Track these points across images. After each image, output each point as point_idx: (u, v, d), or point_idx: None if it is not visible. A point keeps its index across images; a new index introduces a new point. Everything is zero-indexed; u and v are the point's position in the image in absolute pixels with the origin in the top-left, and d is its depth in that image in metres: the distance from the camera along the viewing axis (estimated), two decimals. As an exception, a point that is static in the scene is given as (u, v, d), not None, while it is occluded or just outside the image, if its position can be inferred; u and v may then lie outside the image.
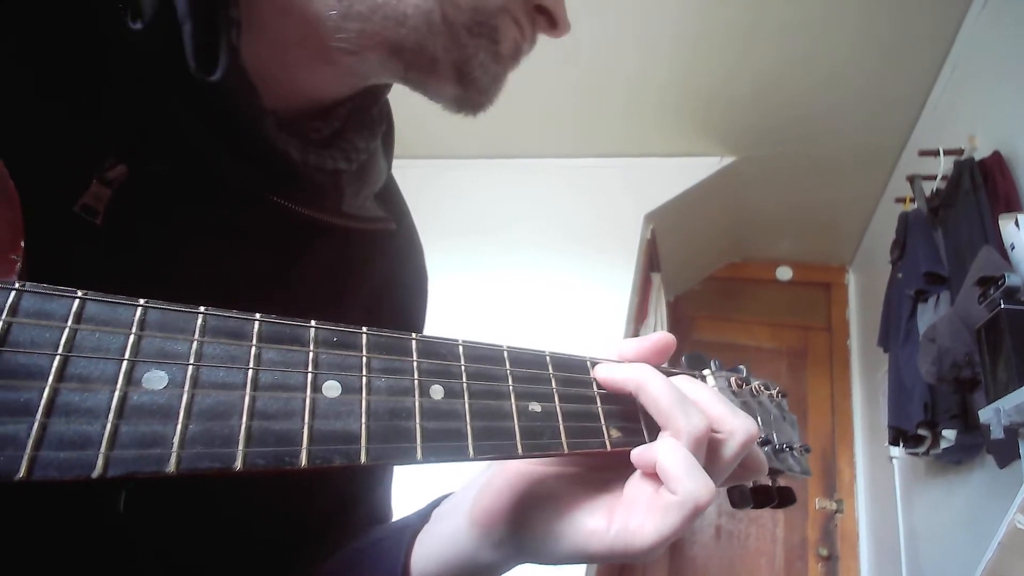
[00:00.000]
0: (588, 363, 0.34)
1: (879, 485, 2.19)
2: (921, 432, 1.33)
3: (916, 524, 1.73)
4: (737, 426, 0.33)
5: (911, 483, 1.80)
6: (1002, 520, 0.89)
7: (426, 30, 0.33)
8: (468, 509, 0.34)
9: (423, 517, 0.38)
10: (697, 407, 0.32)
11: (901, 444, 1.43)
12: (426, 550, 0.36)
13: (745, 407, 0.43)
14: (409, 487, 0.54)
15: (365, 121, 0.41)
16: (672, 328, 2.74)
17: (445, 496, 0.39)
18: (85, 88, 0.29)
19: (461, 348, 0.29)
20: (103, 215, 0.29)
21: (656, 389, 0.31)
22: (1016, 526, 0.86)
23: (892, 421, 1.44)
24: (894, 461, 1.95)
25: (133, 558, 0.31)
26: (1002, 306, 0.94)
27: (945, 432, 1.26)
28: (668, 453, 0.30)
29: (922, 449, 1.36)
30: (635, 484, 0.31)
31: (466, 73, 0.35)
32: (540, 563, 0.33)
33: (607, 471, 0.33)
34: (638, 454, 0.31)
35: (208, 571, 0.36)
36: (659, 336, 0.36)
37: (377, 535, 0.40)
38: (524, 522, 0.32)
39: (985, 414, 0.93)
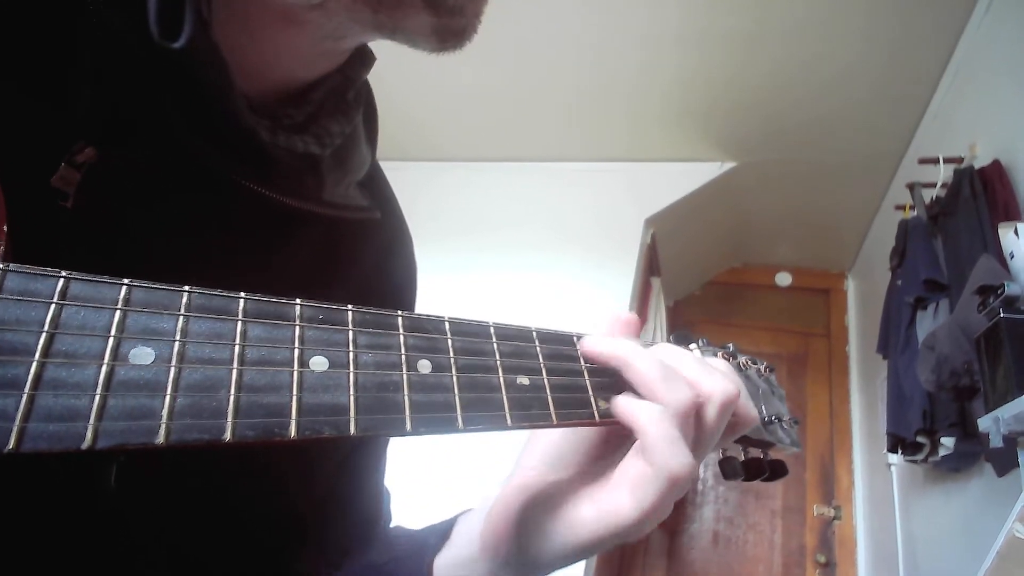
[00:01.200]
0: (574, 338, 0.34)
1: (877, 492, 2.19)
2: (920, 439, 1.33)
3: (914, 531, 1.73)
4: (715, 387, 0.32)
5: (909, 490, 1.80)
6: (1000, 529, 0.88)
7: None
8: (479, 532, 0.35)
9: (443, 535, 0.38)
10: (682, 380, 0.32)
11: (899, 451, 1.43)
12: (445, 574, 0.36)
13: None
14: (413, 490, 0.54)
15: (340, 105, 0.40)
16: (671, 332, 2.73)
17: (464, 512, 0.39)
18: (51, 70, 0.28)
19: (447, 324, 0.29)
20: (73, 198, 0.28)
21: (641, 364, 0.32)
22: (1015, 535, 0.86)
23: (891, 428, 1.44)
24: (892, 468, 1.95)
25: (125, 533, 0.31)
26: (1001, 315, 0.94)
27: (944, 440, 1.26)
28: (650, 422, 0.29)
29: (920, 456, 1.36)
30: (622, 465, 0.31)
31: None
32: (553, 569, 0.33)
33: (603, 460, 0.34)
34: (624, 402, 0.31)
35: (201, 546, 0.36)
36: (625, 314, 0.36)
37: (392, 552, 0.40)
38: (526, 536, 0.32)
39: (984, 422, 0.93)
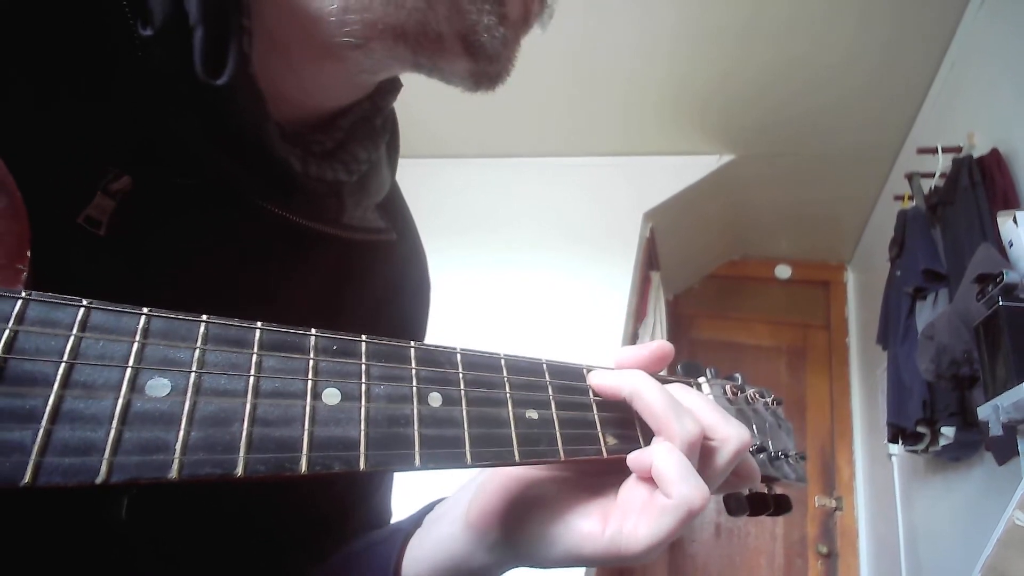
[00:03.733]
0: (584, 371, 0.34)
1: (878, 482, 2.20)
2: (920, 429, 1.33)
3: (915, 521, 1.73)
4: (730, 434, 0.33)
5: (910, 480, 1.81)
6: (1001, 517, 0.89)
7: (425, 6, 0.32)
8: (462, 513, 0.34)
9: (415, 522, 0.38)
10: (691, 414, 0.32)
11: (900, 441, 1.43)
12: (418, 553, 0.36)
13: (740, 415, 0.43)
14: (410, 490, 0.54)
15: (368, 132, 0.41)
16: (671, 326, 2.74)
17: (438, 501, 0.39)
18: (90, 98, 0.29)
19: (459, 356, 0.29)
20: (106, 226, 0.29)
21: (650, 395, 0.32)
22: (1015, 523, 0.86)
23: (891, 418, 1.45)
24: (893, 458, 1.96)
25: (134, 565, 0.31)
26: (1000, 303, 0.94)
27: (944, 429, 1.27)
28: (663, 457, 0.30)
29: (921, 446, 1.37)
30: (630, 488, 0.31)
31: (472, 42, 0.34)
32: (534, 566, 0.33)
33: (602, 475, 0.34)
34: (635, 458, 0.31)
35: (210, 573, 0.36)
36: (657, 344, 0.36)
37: (370, 540, 0.40)
38: (518, 525, 0.32)
39: (984, 411, 0.94)
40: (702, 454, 0.32)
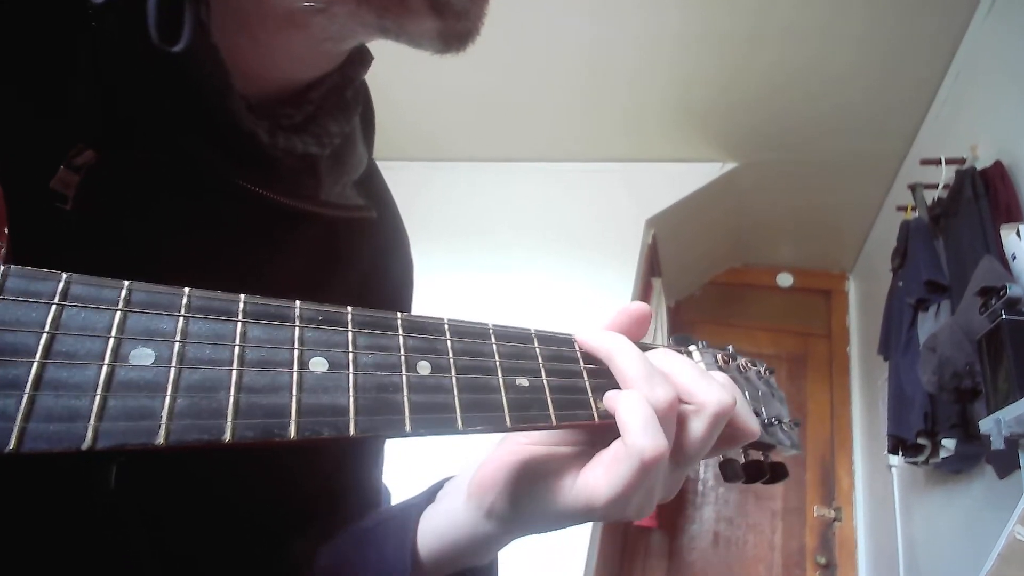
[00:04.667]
0: (574, 338, 0.34)
1: (878, 493, 2.19)
2: (920, 441, 1.32)
3: (915, 533, 1.72)
4: (710, 398, 0.32)
5: (910, 492, 1.80)
6: (1001, 531, 0.88)
7: None
8: (466, 483, 0.35)
9: (428, 497, 0.39)
10: (666, 378, 0.32)
11: (900, 453, 1.43)
12: (430, 526, 0.37)
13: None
14: (406, 478, 0.54)
15: (339, 104, 0.40)
16: (672, 333, 2.73)
17: (448, 478, 0.40)
18: (51, 73, 0.29)
19: (447, 325, 0.29)
20: (72, 200, 0.29)
21: (624, 358, 0.32)
22: (1016, 537, 0.85)
23: (891, 429, 1.44)
24: (893, 470, 1.95)
25: (124, 535, 0.31)
26: (1003, 317, 0.94)
27: (945, 441, 1.26)
28: (627, 405, 0.30)
29: (921, 458, 1.36)
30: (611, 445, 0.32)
31: None
32: (530, 532, 0.34)
33: (603, 446, 0.34)
34: (609, 396, 0.32)
35: (199, 549, 0.36)
36: (633, 306, 0.36)
37: (382, 515, 0.40)
38: (519, 496, 0.33)
39: (985, 424, 0.93)
40: (679, 419, 0.32)
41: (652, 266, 2.44)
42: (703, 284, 3.13)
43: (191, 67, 0.29)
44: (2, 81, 0.27)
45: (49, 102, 0.29)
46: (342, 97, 0.40)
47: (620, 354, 0.32)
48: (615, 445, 0.30)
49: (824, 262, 2.95)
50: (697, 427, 0.32)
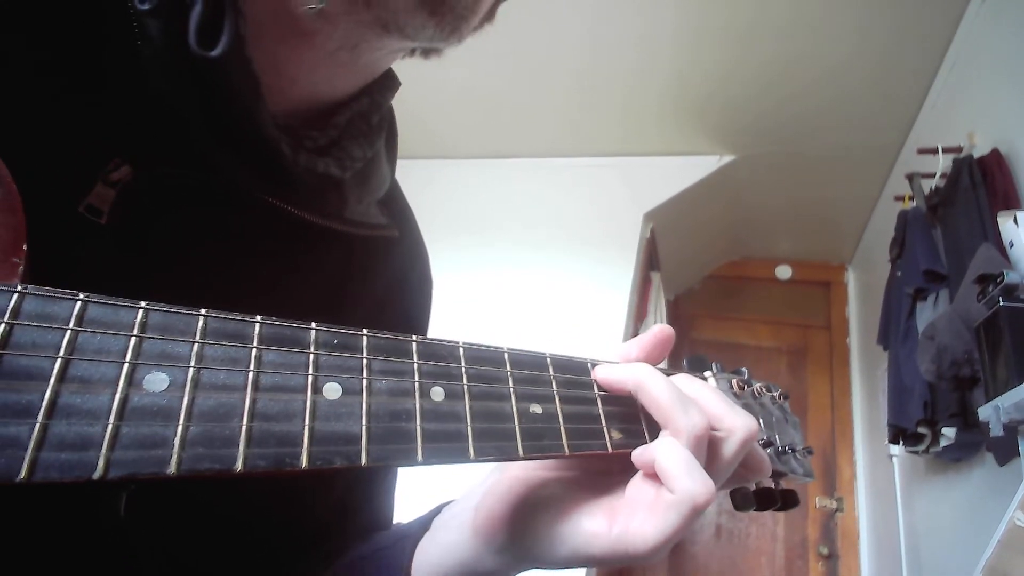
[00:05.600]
0: (588, 365, 0.34)
1: (879, 483, 2.20)
2: (921, 430, 1.33)
3: (916, 522, 1.73)
4: (737, 424, 0.32)
5: (911, 481, 1.80)
6: (1002, 518, 0.89)
7: None
8: (470, 519, 0.34)
9: (423, 525, 0.38)
10: (696, 405, 0.32)
11: (901, 442, 1.43)
12: (427, 559, 0.35)
13: (747, 409, 0.43)
14: (414, 492, 0.54)
15: (364, 129, 0.41)
16: (672, 327, 2.74)
17: (445, 504, 0.39)
18: (88, 88, 0.29)
19: (461, 350, 0.29)
20: (107, 215, 0.29)
21: (655, 387, 0.31)
22: (1016, 524, 0.86)
23: (892, 419, 1.44)
24: (894, 459, 1.95)
25: (133, 562, 0.31)
26: (1001, 304, 0.94)
27: (945, 430, 1.26)
28: (666, 452, 0.29)
29: (922, 447, 1.36)
30: (637, 486, 0.31)
31: None
32: (542, 567, 0.33)
33: (608, 475, 0.33)
34: (638, 454, 0.31)
35: (211, 567, 0.35)
36: (657, 329, 0.35)
37: (377, 544, 0.40)
38: (525, 527, 0.32)
39: (985, 412, 0.93)
40: (709, 446, 0.31)
41: (651, 260, 2.44)
42: (702, 277, 3.13)
43: (225, 75, 0.30)
44: (36, 95, 0.28)
45: (85, 113, 0.29)
46: (368, 122, 0.41)
47: (650, 383, 0.32)
48: (656, 490, 0.30)
49: (823, 254, 2.95)
50: (726, 453, 0.32)
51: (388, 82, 0.42)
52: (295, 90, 0.37)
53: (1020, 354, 0.88)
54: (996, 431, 0.89)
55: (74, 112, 0.29)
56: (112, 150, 0.29)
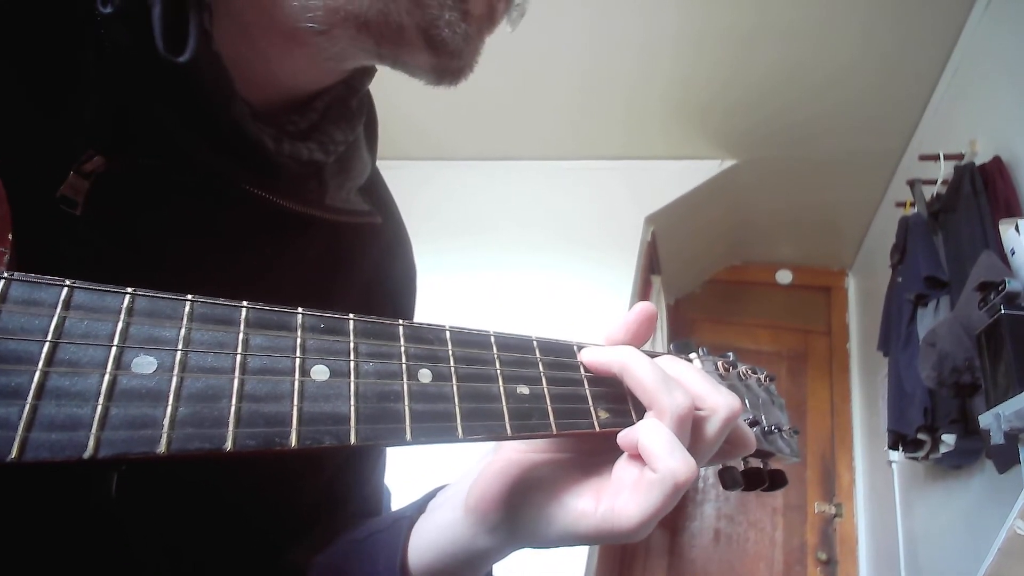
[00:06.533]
0: (575, 347, 0.34)
1: (878, 489, 2.19)
2: (921, 436, 1.33)
3: (915, 529, 1.73)
4: (720, 403, 0.33)
5: (910, 488, 1.80)
6: (1002, 526, 0.88)
7: None
8: (463, 498, 0.35)
9: (419, 508, 0.39)
10: (680, 385, 0.32)
11: (900, 448, 1.43)
12: (423, 540, 0.36)
13: (732, 390, 0.43)
14: (407, 481, 0.54)
15: (344, 113, 0.41)
16: (672, 331, 2.74)
17: (440, 488, 0.40)
18: (61, 80, 0.29)
19: (448, 333, 0.29)
20: (82, 206, 0.29)
21: (640, 369, 0.32)
22: (1016, 532, 0.86)
23: (892, 425, 1.44)
24: (893, 465, 1.95)
25: (125, 543, 0.31)
26: (1002, 311, 0.94)
27: (945, 437, 1.26)
28: (649, 433, 0.30)
29: (921, 453, 1.36)
30: (622, 466, 0.32)
31: (433, 36, 0.34)
32: (534, 547, 0.34)
33: (598, 455, 0.34)
34: (623, 436, 0.32)
35: (200, 556, 0.36)
36: (639, 308, 0.36)
37: (373, 527, 0.40)
38: (517, 507, 0.33)
39: (985, 419, 0.93)
40: (692, 425, 0.32)
41: (652, 264, 2.44)
42: (703, 282, 3.13)
43: (196, 76, 0.30)
44: (10, 86, 0.28)
45: (58, 109, 0.29)
46: (347, 106, 0.41)
47: (634, 365, 0.32)
48: (640, 470, 0.30)
49: (824, 259, 2.95)
50: (709, 432, 0.33)
51: (365, 68, 0.42)
52: (275, 81, 0.37)
53: (1021, 362, 0.88)
54: (996, 438, 0.89)
55: (48, 106, 0.29)
56: (88, 144, 0.29)
